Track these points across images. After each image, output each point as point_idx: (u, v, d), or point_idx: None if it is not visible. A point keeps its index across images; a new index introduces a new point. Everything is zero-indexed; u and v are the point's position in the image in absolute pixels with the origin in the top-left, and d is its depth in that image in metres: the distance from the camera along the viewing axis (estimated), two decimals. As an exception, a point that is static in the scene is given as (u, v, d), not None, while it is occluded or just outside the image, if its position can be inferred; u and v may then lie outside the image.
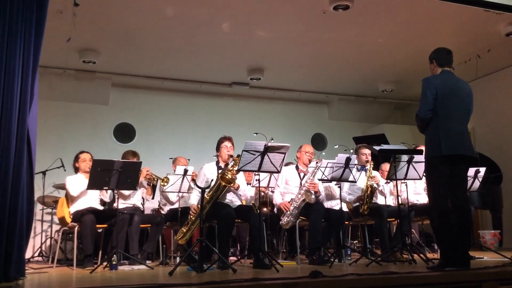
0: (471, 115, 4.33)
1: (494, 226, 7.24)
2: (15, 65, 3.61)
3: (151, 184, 6.03)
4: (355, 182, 5.43)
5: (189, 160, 6.28)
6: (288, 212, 5.29)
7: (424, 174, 4.60)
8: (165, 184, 5.53)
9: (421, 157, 5.08)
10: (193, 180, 5.35)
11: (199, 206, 4.81)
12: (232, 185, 4.93)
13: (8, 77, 3.57)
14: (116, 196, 5.13)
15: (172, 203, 6.09)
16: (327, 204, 5.88)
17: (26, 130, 3.61)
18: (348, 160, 5.04)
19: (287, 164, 6.15)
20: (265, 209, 6.23)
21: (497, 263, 4.34)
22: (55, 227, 6.86)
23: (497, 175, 7.15)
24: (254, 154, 4.52)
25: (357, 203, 5.69)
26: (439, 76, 4.21)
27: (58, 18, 5.79)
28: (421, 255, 4.79)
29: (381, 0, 5.87)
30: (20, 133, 3.57)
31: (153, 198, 6.49)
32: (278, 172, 4.83)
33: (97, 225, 5.19)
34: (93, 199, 5.46)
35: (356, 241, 6.93)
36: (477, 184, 5.69)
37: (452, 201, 4.10)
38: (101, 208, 5.59)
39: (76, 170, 5.59)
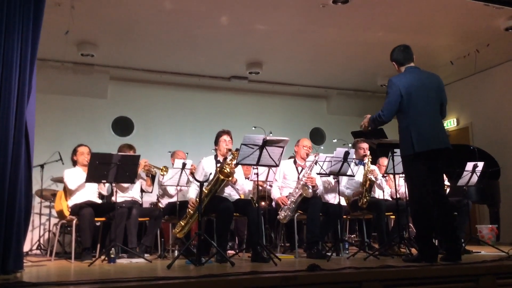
0: (445, 105, 4.27)
1: (491, 220, 7.27)
2: (12, 58, 3.59)
3: (150, 175, 6.04)
4: (354, 176, 5.43)
5: (187, 153, 6.28)
6: (286, 206, 5.30)
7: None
8: (165, 173, 5.52)
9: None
10: (192, 173, 5.35)
11: (197, 199, 4.81)
12: (230, 179, 4.94)
13: (6, 70, 3.55)
14: (115, 190, 5.13)
15: (170, 196, 6.09)
16: (327, 197, 5.90)
17: (24, 123, 3.60)
18: (346, 154, 5.05)
19: (291, 157, 6.16)
20: (263, 203, 6.24)
21: (494, 257, 4.36)
22: (54, 220, 6.86)
23: (495, 169, 7.16)
24: (253, 148, 4.51)
25: (356, 197, 5.71)
26: (403, 74, 4.22)
27: (56, 10, 5.77)
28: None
29: (381, -6, 5.87)
30: (18, 126, 3.56)
31: (152, 192, 6.50)
32: (277, 166, 4.83)
33: (96, 219, 5.19)
34: (91, 192, 5.46)
35: (354, 235, 6.95)
36: (475, 178, 5.70)
37: (433, 196, 4.12)
38: (100, 201, 5.59)
39: (74, 163, 5.59)
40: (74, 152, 5.59)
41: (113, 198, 5.10)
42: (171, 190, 6.01)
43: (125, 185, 5.55)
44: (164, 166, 5.58)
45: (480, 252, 5.34)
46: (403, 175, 5.51)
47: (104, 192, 5.57)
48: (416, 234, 4.31)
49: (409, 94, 4.07)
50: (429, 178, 4.11)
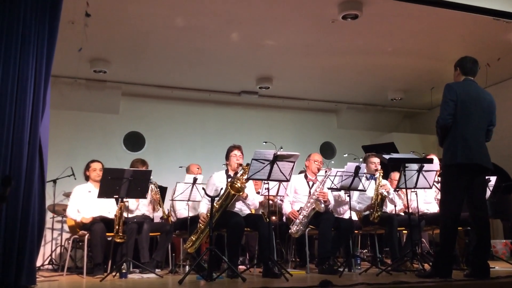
0: (493, 127, 4.22)
1: (505, 235, 7.18)
2: (28, 74, 3.66)
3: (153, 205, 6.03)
4: (365, 190, 5.41)
5: (198, 168, 6.29)
6: (298, 220, 5.28)
7: (436, 181, 4.55)
8: (164, 216, 5.58)
9: (431, 166, 5.06)
10: (203, 189, 5.36)
11: (208, 214, 4.81)
12: (241, 193, 4.94)
13: (21, 86, 3.62)
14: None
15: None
16: (339, 211, 5.87)
17: (38, 139, 3.66)
18: (357, 168, 5.03)
19: (302, 172, 6.16)
20: (273, 217, 6.22)
21: (509, 273, 4.31)
22: (65, 235, 6.89)
23: (508, 184, 7.09)
24: (264, 163, 4.53)
25: (367, 212, 5.67)
26: (461, 83, 4.19)
27: (70, 28, 5.86)
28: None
29: (390, 9, 5.89)
30: (32, 142, 3.61)
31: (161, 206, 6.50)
32: (288, 180, 4.83)
33: (107, 234, 5.21)
34: (103, 208, 5.48)
35: (366, 250, 6.88)
36: (488, 193, 5.65)
37: (471, 212, 4.07)
38: (111, 216, 5.60)
39: (87, 178, 5.63)
40: (87, 167, 5.63)
41: (125, 214, 5.11)
42: (182, 208, 6.00)
43: (132, 207, 5.55)
44: (169, 214, 5.62)
45: (494, 267, 5.25)
46: (415, 190, 5.49)
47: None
48: (439, 247, 4.22)
49: (463, 104, 4.04)
50: (470, 193, 4.06)
